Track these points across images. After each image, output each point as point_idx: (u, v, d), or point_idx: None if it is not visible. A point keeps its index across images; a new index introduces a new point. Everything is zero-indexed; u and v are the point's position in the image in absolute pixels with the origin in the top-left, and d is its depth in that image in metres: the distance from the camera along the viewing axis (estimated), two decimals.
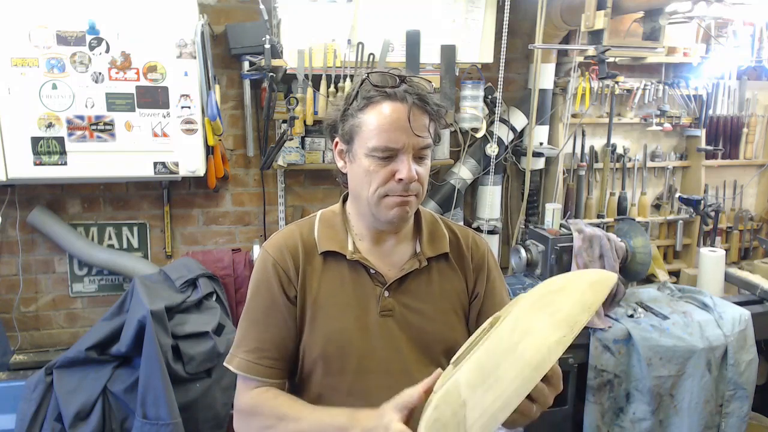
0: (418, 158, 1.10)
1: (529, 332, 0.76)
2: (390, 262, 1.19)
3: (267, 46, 2.41)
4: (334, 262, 1.18)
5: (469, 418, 0.75)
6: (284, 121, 2.58)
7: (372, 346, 1.15)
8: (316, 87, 2.56)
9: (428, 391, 0.92)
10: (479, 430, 0.74)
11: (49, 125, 2.26)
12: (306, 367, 1.17)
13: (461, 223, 3.02)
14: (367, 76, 1.11)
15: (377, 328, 1.15)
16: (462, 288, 1.24)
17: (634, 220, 2.86)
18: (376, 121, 1.08)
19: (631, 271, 2.64)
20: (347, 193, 1.24)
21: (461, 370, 0.82)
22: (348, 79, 2.56)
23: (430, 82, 1.15)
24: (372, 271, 1.17)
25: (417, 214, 1.25)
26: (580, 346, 2.44)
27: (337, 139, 1.17)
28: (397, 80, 1.10)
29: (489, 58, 2.75)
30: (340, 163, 1.19)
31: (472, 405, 0.76)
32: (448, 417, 0.79)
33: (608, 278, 0.82)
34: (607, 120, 3.03)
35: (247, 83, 2.62)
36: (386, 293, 1.17)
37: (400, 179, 1.08)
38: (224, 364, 1.19)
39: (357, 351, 1.14)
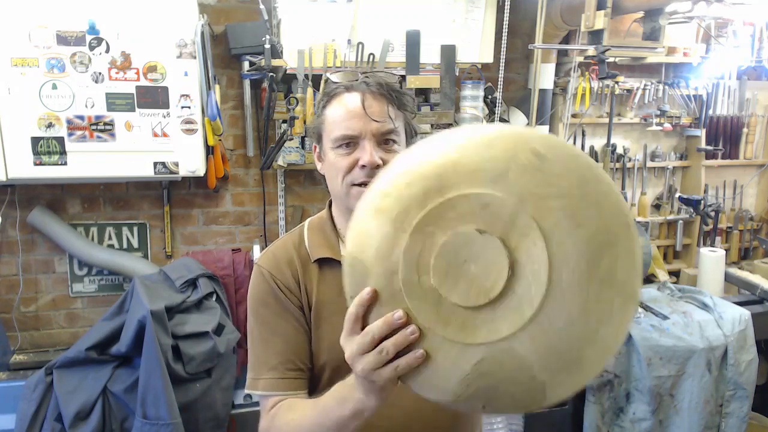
0: (384, 144, 1.10)
1: (604, 318, 0.72)
2: None
3: (267, 46, 2.41)
4: (328, 268, 1.17)
5: (550, 396, 0.76)
6: (284, 121, 2.58)
7: None
8: (316, 87, 2.56)
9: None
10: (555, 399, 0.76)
11: (49, 125, 2.26)
12: (314, 374, 1.16)
13: None
14: (329, 76, 1.14)
15: None
16: None
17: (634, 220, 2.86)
18: (336, 112, 1.11)
19: None
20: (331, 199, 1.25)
21: (521, 342, 0.73)
22: None
23: (396, 75, 1.17)
24: None
25: None
26: None
27: (314, 144, 1.20)
28: (359, 75, 1.12)
29: (489, 58, 2.75)
30: (318, 166, 1.20)
31: (554, 385, 0.75)
32: (511, 386, 0.75)
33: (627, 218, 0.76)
34: (607, 120, 3.02)
35: (247, 83, 2.62)
36: None
37: (363, 165, 1.08)
38: (247, 391, 1.15)
39: None
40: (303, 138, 2.67)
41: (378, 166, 1.08)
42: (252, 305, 1.17)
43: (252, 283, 1.18)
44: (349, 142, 1.09)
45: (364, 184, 1.09)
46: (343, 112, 1.10)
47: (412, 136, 1.18)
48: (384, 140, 1.10)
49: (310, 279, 1.16)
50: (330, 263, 1.17)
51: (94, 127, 2.30)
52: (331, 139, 1.11)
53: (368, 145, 1.08)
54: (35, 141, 2.26)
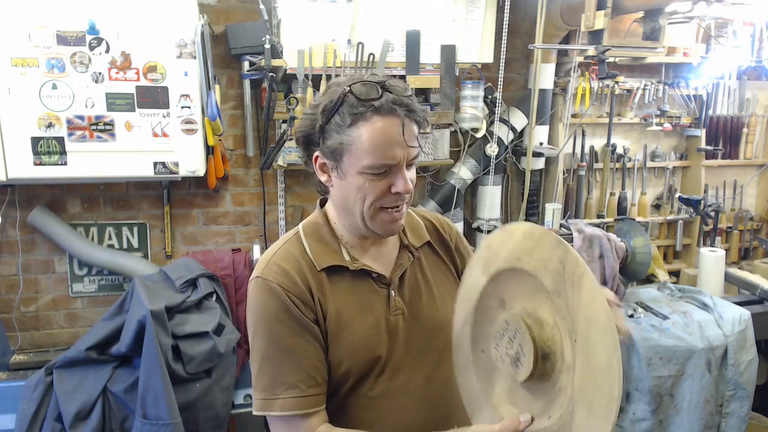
0: (408, 165, 1.11)
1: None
2: (384, 261, 1.20)
3: (267, 46, 2.41)
4: (336, 274, 1.15)
5: None
6: (284, 121, 2.58)
7: (393, 347, 1.15)
8: (316, 87, 2.56)
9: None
10: None
11: (49, 125, 2.26)
12: (333, 382, 1.14)
13: (461, 224, 3.04)
14: (350, 90, 1.05)
15: (393, 329, 1.16)
16: (450, 270, 1.28)
17: (634, 220, 2.86)
18: (369, 138, 1.04)
19: (631, 271, 2.64)
20: (323, 198, 1.23)
21: None
22: None
23: (403, 78, 1.15)
24: (374, 275, 1.16)
25: None
26: None
27: (317, 154, 1.12)
28: (379, 89, 1.05)
29: (489, 58, 2.75)
30: (323, 177, 1.14)
31: None
32: None
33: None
34: (607, 120, 3.02)
35: (247, 83, 2.62)
36: (393, 293, 1.17)
37: (398, 192, 1.08)
38: (259, 413, 1.09)
39: (382, 356, 1.14)
40: None
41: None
42: (261, 322, 1.10)
43: (258, 298, 1.11)
44: (385, 170, 1.07)
45: (395, 209, 1.10)
46: (381, 139, 1.04)
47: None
48: (411, 162, 1.11)
49: (321, 288, 1.13)
50: (336, 269, 1.15)
51: (94, 127, 2.30)
52: (363, 164, 1.05)
53: (403, 173, 1.08)
54: (35, 141, 2.26)
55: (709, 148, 3.20)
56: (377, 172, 1.06)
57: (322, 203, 1.23)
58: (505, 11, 2.55)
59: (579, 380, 0.91)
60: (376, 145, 1.04)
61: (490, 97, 2.83)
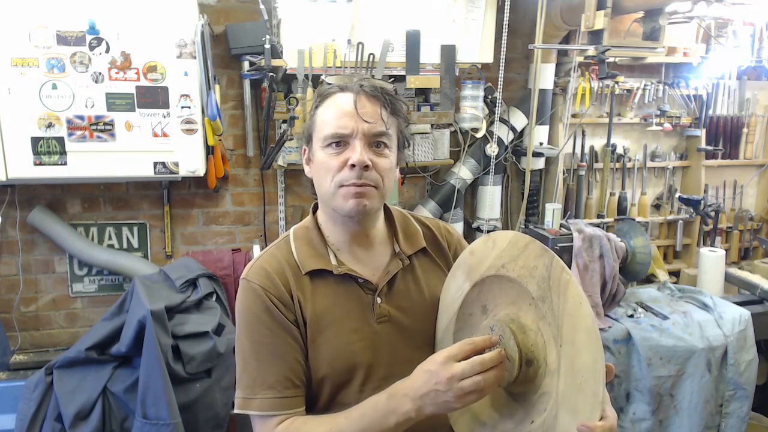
0: (375, 147, 1.09)
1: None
2: (373, 266, 1.18)
3: (267, 46, 2.41)
4: (320, 279, 1.14)
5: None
6: (284, 121, 2.58)
7: (375, 355, 1.13)
8: (316, 87, 2.56)
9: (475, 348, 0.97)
10: None
11: (49, 125, 2.26)
12: (312, 388, 1.13)
13: (461, 223, 3.04)
14: (325, 78, 1.13)
15: (377, 337, 1.13)
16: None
17: (634, 220, 2.86)
18: (327, 111, 1.10)
19: (631, 271, 2.64)
20: (315, 204, 1.23)
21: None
22: None
23: (393, 85, 1.16)
24: (360, 280, 1.15)
25: (388, 213, 1.24)
26: None
27: (304, 147, 1.18)
28: (354, 79, 1.11)
29: (489, 58, 2.75)
30: (306, 169, 1.18)
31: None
32: None
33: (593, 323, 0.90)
34: (607, 120, 3.02)
35: (247, 83, 2.62)
36: (378, 300, 1.15)
37: (353, 165, 1.06)
38: (239, 411, 1.10)
39: (362, 363, 1.12)
40: None
41: (367, 167, 1.07)
42: (244, 322, 1.12)
43: (242, 299, 1.13)
44: (339, 142, 1.08)
45: (353, 185, 1.08)
46: (335, 111, 1.09)
47: (404, 146, 1.17)
48: (375, 142, 1.09)
49: (303, 291, 1.12)
50: (321, 273, 1.14)
51: (94, 127, 2.30)
52: (320, 138, 1.10)
53: (358, 145, 1.07)
54: (35, 141, 2.26)
55: (709, 148, 3.20)
56: (332, 143, 1.09)
57: (315, 209, 1.23)
58: (505, 11, 2.55)
59: (563, 385, 0.92)
60: (330, 117, 1.09)
61: (490, 97, 2.83)
